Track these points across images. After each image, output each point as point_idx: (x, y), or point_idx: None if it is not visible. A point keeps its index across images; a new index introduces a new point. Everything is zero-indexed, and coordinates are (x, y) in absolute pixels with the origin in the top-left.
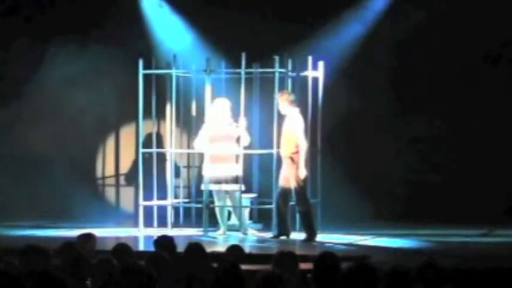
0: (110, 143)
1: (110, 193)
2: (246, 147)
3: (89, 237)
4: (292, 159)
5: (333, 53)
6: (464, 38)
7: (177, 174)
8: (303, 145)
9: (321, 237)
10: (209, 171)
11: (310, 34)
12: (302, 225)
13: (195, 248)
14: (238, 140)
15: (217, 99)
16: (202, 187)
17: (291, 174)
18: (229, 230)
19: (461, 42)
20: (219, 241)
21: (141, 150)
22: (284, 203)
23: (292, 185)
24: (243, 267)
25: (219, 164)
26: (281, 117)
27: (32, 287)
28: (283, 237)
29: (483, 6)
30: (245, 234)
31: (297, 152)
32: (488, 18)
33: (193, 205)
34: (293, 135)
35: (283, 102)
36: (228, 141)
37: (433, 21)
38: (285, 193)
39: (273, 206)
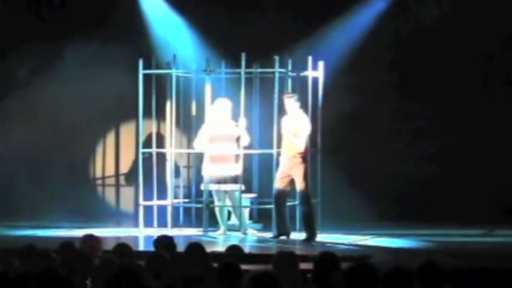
0: (110, 143)
1: (110, 193)
2: (246, 147)
3: (94, 238)
4: (303, 158)
5: (333, 53)
6: (467, 38)
7: (177, 174)
8: (301, 145)
9: (321, 237)
10: (209, 171)
11: (310, 34)
12: (303, 225)
13: (195, 248)
14: (238, 140)
15: (218, 99)
16: (202, 187)
17: (298, 173)
18: (229, 230)
19: (464, 41)
20: (219, 241)
21: (141, 150)
22: (283, 203)
23: (298, 185)
24: (243, 267)
25: (219, 164)
26: (281, 116)
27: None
28: (283, 237)
29: (487, 5)
30: (245, 234)
31: (304, 152)
32: (493, 18)
33: (193, 205)
34: (301, 135)
35: (296, 103)
36: (228, 141)
37: (434, 21)
38: (283, 193)
39: (272, 206)
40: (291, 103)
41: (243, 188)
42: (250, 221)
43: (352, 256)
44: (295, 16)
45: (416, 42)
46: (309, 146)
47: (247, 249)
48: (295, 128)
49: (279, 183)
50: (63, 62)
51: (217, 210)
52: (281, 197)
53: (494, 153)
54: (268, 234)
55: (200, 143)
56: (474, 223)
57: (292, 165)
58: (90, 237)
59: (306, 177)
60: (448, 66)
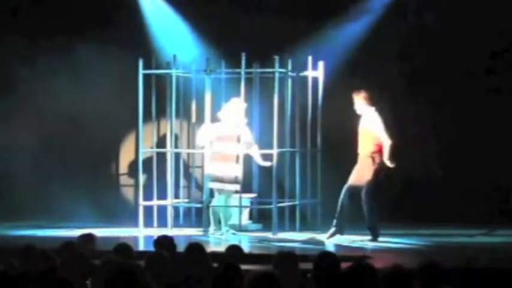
0: (111, 143)
1: (110, 193)
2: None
3: (89, 237)
4: (373, 158)
5: (333, 53)
6: (469, 37)
7: (177, 174)
8: (387, 142)
9: (321, 237)
10: (212, 169)
11: (310, 34)
12: (367, 226)
13: (195, 248)
14: (239, 140)
15: (233, 99)
16: (205, 184)
17: (368, 173)
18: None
19: (466, 40)
20: (219, 241)
21: (141, 150)
22: (350, 202)
23: (366, 184)
24: (243, 267)
25: (221, 163)
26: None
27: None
28: (337, 236)
29: (489, 5)
30: (222, 235)
31: (377, 151)
32: (494, 18)
33: (193, 205)
34: (372, 134)
35: (360, 101)
36: (233, 142)
37: (435, 20)
38: (354, 192)
39: (272, 206)
40: (357, 101)
41: (239, 188)
42: (250, 221)
43: (352, 256)
44: (296, 16)
45: (417, 42)
46: (380, 144)
47: (247, 249)
48: (365, 126)
49: (352, 181)
50: (64, 62)
51: (211, 210)
52: (350, 195)
53: (495, 154)
54: (268, 234)
55: (204, 140)
56: (474, 223)
57: (367, 164)
58: (84, 236)
59: (373, 177)
60: (448, 66)
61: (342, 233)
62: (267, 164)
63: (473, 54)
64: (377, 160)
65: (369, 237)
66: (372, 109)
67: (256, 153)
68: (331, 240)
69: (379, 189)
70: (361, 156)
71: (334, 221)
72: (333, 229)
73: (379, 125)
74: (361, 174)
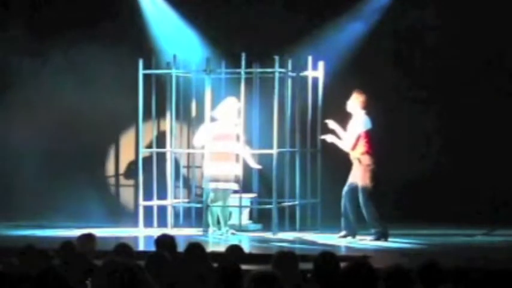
0: (110, 142)
1: (110, 193)
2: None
3: (89, 237)
4: (359, 160)
5: (333, 53)
6: (468, 36)
7: (177, 174)
8: (347, 147)
9: (320, 237)
10: (210, 169)
11: (310, 33)
12: (369, 227)
13: (195, 248)
14: (238, 138)
15: (228, 98)
16: (203, 185)
17: (359, 175)
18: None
19: (465, 40)
20: (219, 241)
21: (141, 150)
22: (352, 203)
23: (360, 185)
24: (243, 267)
25: (220, 162)
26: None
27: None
28: (348, 238)
29: (487, 5)
30: (222, 235)
31: (365, 153)
32: (492, 17)
33: (193, 205)
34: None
35: (355, 102)
36: (231, 141)
37: (435, 20)
38: (353, 194)
39: (272, 206)
40: (352, 100)
41: (237, 187)
42: (250, 221)
43: (352, 256)
44: (296, 16)
45: (417, 41)
46: (366, 149)
47: (247, 249)
48: (353, 129)
49: (349, 183)
50: (63, 62)
51: (209, 210)
52: (350, 197)
53: (495, 153)
54: (268, 234)
55: (201, 140)
56: (474, 223)
57: (355, 166)
58: (84, 237)
59: (364, 179)
60: (448, 65)
61: (354, 235)
62: (258, 166)
63: (474, 54)
64: (364, 161)
65: (370, 237)
66: (362, 112)
67: (248, 155)
68: (340, 240)
69: (373, 190)
70: (352, 157)
71: (342, 224)
72: (344, 232)
73: (358, 130)
74: (353, 175)
